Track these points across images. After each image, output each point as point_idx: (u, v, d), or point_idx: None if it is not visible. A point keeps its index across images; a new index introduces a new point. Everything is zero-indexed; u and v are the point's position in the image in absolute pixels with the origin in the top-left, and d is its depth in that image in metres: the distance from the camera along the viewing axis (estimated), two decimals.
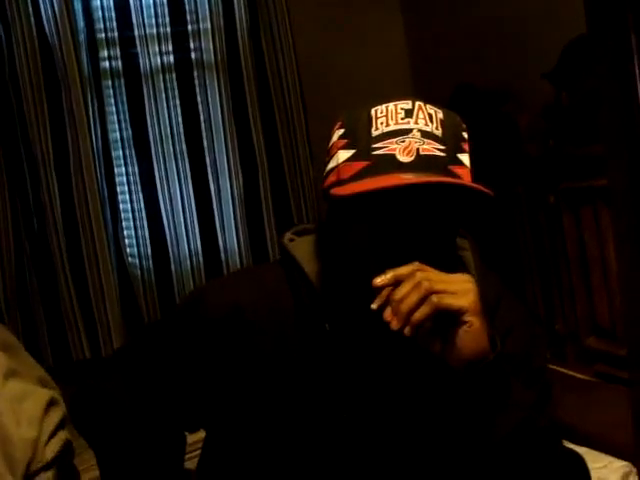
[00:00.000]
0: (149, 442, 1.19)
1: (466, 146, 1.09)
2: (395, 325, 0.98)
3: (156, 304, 3.00)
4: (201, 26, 3.06)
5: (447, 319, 1.01)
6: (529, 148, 2.45)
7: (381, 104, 1.09)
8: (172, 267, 3.03)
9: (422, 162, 1.03)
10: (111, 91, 2.98)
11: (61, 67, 2.82)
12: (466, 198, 1.06)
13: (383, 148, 1.04)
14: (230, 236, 3.12)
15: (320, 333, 1.11)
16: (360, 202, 1.03)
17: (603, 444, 2.09)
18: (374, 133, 1.05)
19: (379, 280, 1.00)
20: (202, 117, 3.08)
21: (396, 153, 1.03)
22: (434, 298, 0.98)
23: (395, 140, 1.04)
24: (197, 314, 1.19)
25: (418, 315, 0.98)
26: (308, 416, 1.10)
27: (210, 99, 3.09)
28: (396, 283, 1.00)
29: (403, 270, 1.00)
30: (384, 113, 1.06)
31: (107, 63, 2.98)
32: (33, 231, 2.83)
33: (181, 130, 3.06)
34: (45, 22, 2.81)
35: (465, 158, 1.08)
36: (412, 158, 1.02)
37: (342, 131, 1.10)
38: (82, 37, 2.88)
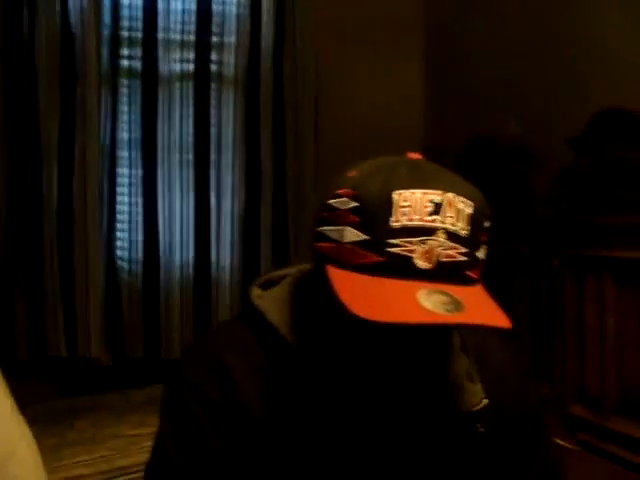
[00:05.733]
0: None
1: (484, 237, 0.98)
2: None
3: (140, 310, 2.94)
4: (225, 39, 3.05)
5: None
6: (541, 209, 2.45)
7: (401, 179, 0.93)
8: (161, 275, 2.98)
9: (441, 270, 0.92)
10: (126, 90, 2.95)
11: (80, 59, 2.80)
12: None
13: (400, 247, 0.91)
14: (224, 252, 3.08)
15: (297, 394, 1.01)
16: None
17: None
18: (393, 225, 0.91)
19: None
20: (213, 130, 3.06)
21: (414, 256, 0.91)
22: None
23: (416, 240, 0.91)
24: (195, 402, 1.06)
25: None
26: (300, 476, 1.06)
27: (223, 113, 3.07)
28: None
29: None
30: (408, 203, 0.92)
31: (127, 62, 2.95)
32: (28, 221, 2.78)
33: (190, 140, 3.03)
34: (71, 11, 2.80)
35: (481, 253, 0.97)
36: (431, 266, 0.91)
37: (354, 205, 0.95)
38: (106, 32, 2.86)
